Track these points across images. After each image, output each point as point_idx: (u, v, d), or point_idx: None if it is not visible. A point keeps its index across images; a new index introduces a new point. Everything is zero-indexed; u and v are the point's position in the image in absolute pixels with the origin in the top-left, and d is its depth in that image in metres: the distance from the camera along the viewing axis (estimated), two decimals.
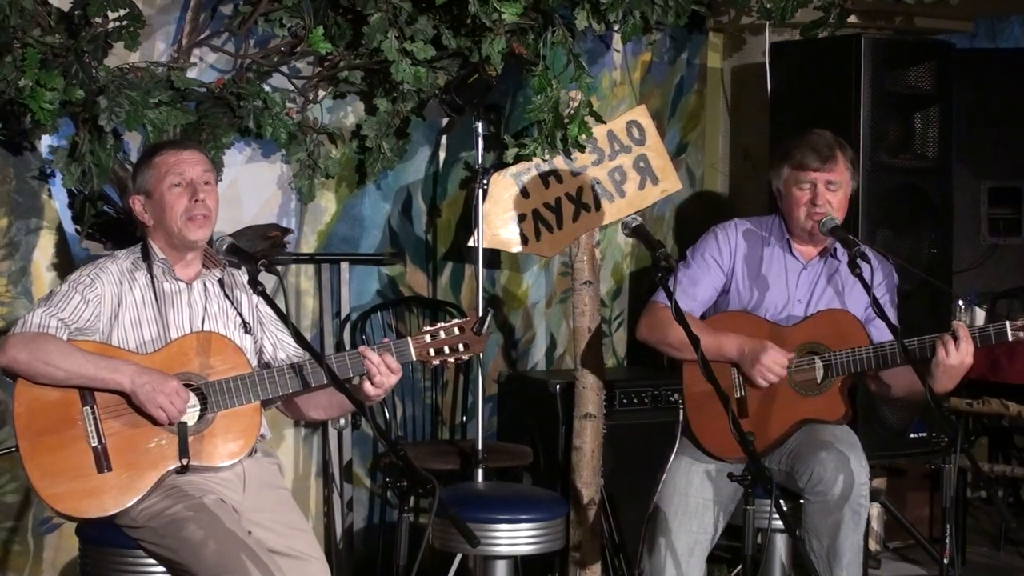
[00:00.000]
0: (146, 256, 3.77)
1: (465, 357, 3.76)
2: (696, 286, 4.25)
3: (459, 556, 4.74)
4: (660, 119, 5.98)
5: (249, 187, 5.07)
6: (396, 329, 5.32)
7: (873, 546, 5.69)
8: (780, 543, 4.35)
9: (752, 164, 6.14)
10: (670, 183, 5.42)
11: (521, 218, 5.20)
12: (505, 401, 5.60)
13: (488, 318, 3.73)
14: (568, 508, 4.83)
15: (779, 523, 3.74)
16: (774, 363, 4.10)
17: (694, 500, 4.17)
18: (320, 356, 3.58)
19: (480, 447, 4.86)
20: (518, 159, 5.16)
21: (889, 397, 4.36)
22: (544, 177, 5.21)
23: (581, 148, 5.13)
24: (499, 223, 5.15)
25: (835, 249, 4.29)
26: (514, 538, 4.42)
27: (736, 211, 5.81)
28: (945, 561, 3.96)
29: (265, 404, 3.77)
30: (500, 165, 5.23)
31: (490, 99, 5.16)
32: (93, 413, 3.60)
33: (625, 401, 5.38)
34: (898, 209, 5.51)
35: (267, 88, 4.81)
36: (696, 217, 6.10)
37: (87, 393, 3.60)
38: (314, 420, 4.42)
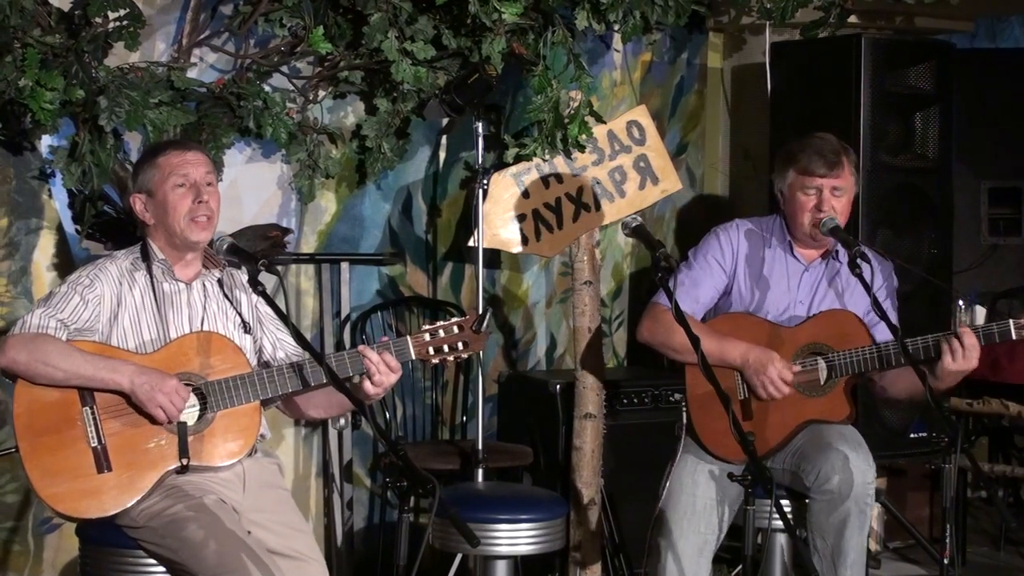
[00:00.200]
0: (145, 256, 3.77)
1: (465, 356, 3.76)
2: (698, 287, 4.24)
3: (459, 556, 4.74)
4: (660, 119, 5.99)
5: (249, 187, 5.07)
6: (396, 329, 5.32)
7: (873, 546, 5.69)
8: (780, 543, 4.35)
9: (752, 164, 6.14)
10: (670, 183, 5.42)
11: (521, 218, 5.20)
12: (505, 401, 5.60)
13: (487, 316, 3.73)
14: (568, 508, 4.83)
15: (779, 523, 3.74)
16: (779, 378, 4.10)
17: (701, 500, 4.17)
18: (320, 356, 3.58)
19: (480, 447, 4.86)
20: (518, 159, 5.16)
21: (891, 398, 4.36)
22: (544, 177, 5.21)
23: (581, 148, 5.13)
24: (499, 223, 5.15)
25: (836, 251, 4.29)
26: (514, 538, 4.42)
27: (736, 211, 5.81)
28: (945, 561, 3.96)
29: (265, 404, 3.77)
30: (500, 165, 5.23)
31: (490, 99, 5.16)
32: (93, 413, 3.60)
33: (625, 401, 5.38)
34: (898, 209, 5.51)
35: (267, 88, 4.82)
36: (696, 217, 6.10)
37: (87, 393, 3.60)
38: (314, 419, 4.42)
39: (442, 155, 5.52)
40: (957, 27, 6.13)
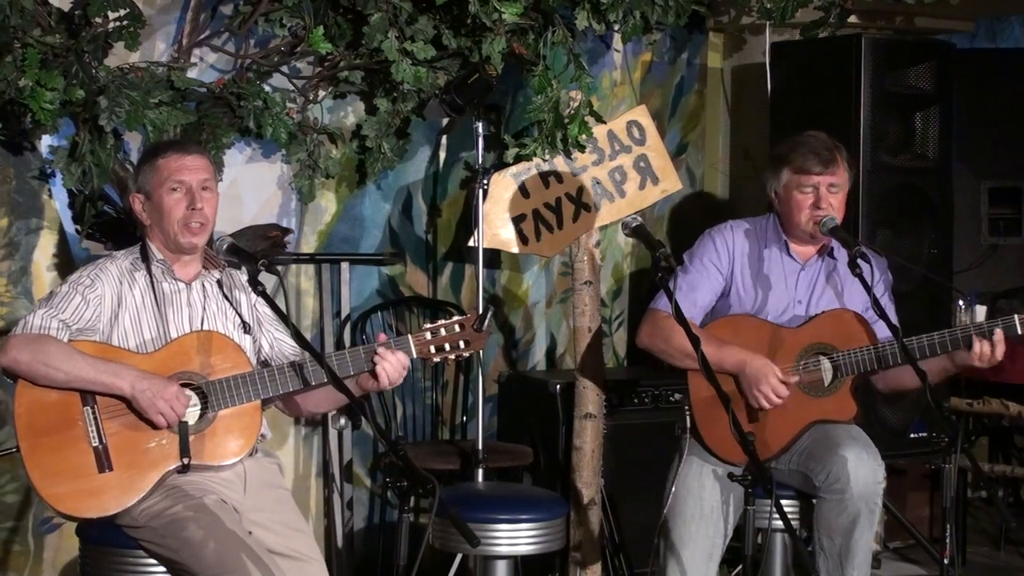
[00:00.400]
0: (145, 256, 3.77)
1: (466, 354, 3.76)
2: (696, 291, 4.23)
3: (459, 556, 4.75)
4: (660, 119, 5.99)
5: (249, 187, 5.07)
6: (396, 329, 5.32)
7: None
8: (780, 543, 4.35)
9: (752, 164, 6.14)
10: (670, 183, 5.41)
11: (521, 218, 5.20)
12: (505, 401, 5.60)
13: (488, 315, 3.73)
14: (568, 508, 4.83)
15: (779, 523, 3.74)
16: (773, 393, 4.09)
17: (708, 503, 4.17)
18: (320, 356, 3.58)
19: (480, 447, 4.86)
20: (518, 159, 5.15)
21: (894, 391, 4.38)
22: (544, 177, 5.20)
23: (581, 148, 5.13)
24: (499, 223, 5.15)
25: (832, 248, 4.29)
26: (514, 538, 4.42)
27: (736, 211, 5.81)
28: (945, 561, 3.96)
29: (265, 402, 3.77)
30: (500, 165, 5.23)
31: (490, 99, 5.16)
32: (94, 413, 3.60)
33: (625, 401, 5.38)
34: (898, 209, 5.51)
35: (267, 88, 4.82)
36: (696, 217, 6.10)
37: (87, 393, 3.60)
38: (312, 413, 4.42)
39: (442, 155, 5.52)
40: (957, 27, 6.13)
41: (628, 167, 5.33)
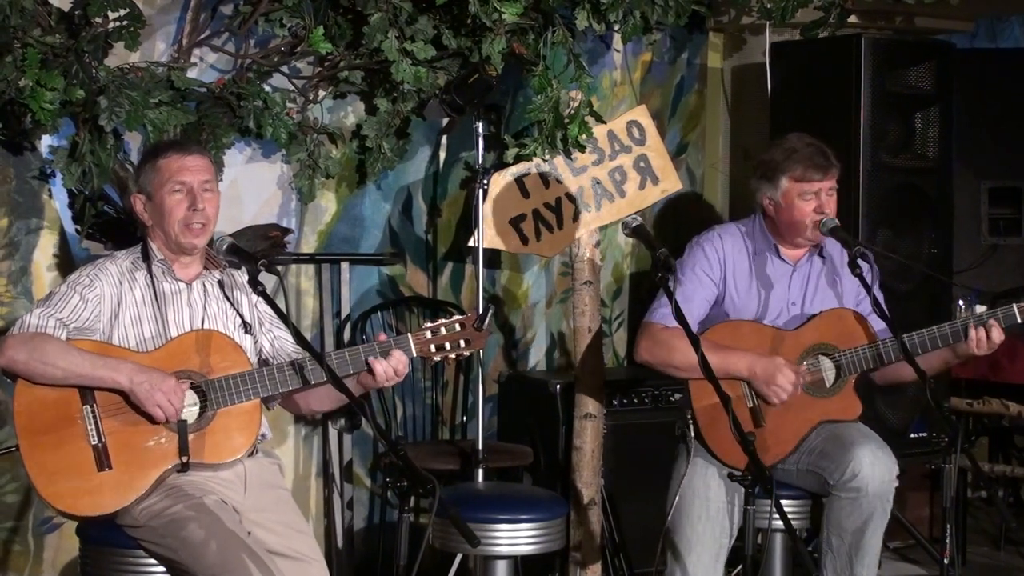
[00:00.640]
0: (146, 256, 3.77)
1: (466, 354, 3.76)
2: (690, 302, 4.19)
3: (459, 556, 4.75)
4: (660, 119, 5.99)
5: (249, 187, 5.07)
6: (396, 329, 5.32)
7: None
8: (780, 543, 4.35)
9: (752, 164, 6.13)
10: (670, 183, 5.41)
11: (521, 218, 5.20)
12: (505, 401, 5.60)
13: (489, 314, 3.73)
14: (568, 508, 4.83)
15: (779, 523, 3.74)
16: (787, 382, 4.10)
17: (715, 504, 4.17)
18: (320, 356, 3.58)
19: (480, 447, 4.86)
20: (518, 159, 5.15)
21: (885, 384, 4.39)
22: (544, 177, 5.21)
23: (581, 148, 5.13)
24: (499, 223, 5.15)
25: (820, 246, 4.31)
26: (514, 538, 4.42)
27: (736, 211, 5.82)
28: (945, 561, 3.96)
29: (266, 402, 3.77)
30: (500, 165, 5.23)
31: (490, 99, 5.16)
32: (93, 412, 3.60)
33: (625, 401, 5.38)
34: (898, 209, 5.51)
35: (267, 88, 4.81)
36: (696, 217, 6.10)
37: (87, 392, 3.60)
38: (313, 412, 4.43)
39: (442, 155, 5.52)
40: (957, 27, 6.13)
41: (628, 167, 5.33)
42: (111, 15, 4.39)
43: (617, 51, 5.88)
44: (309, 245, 5.24)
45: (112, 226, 4.67)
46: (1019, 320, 4.12)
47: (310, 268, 5.25)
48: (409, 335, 3.73)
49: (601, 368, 5.20)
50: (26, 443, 3.59)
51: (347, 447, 5.26)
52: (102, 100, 4.32)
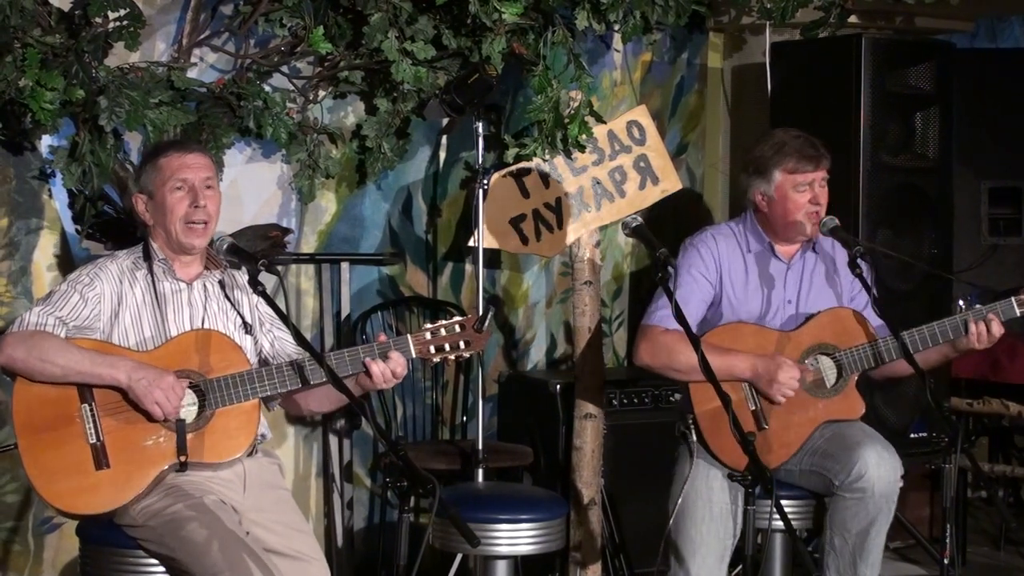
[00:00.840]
0: (147, 256, 3.77)
1: (466, 355, 3.76)
2: (687, 304, 4.13)
3: (459, 556, 4.75)
4: (660, 119, 5.99)
5: (249, 187, 5.07)
6: (396, 329, 5.32)
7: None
8: (780, 543, 4.35)
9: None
10: (670, 183, 5.42)
11: (521, 218, 5.20)
12: (505, 401, 5.60)
13: (489, 315, 3.73)
14: (568, 508, 4.83)
15: (779, 523, 3.74)
16: (790, 379, 4.10)
17: (718, 505, 4.16)
18: (320, 356, 3.58)
19: (480, 447, 4.86)
20: (518, 159, 5.15)
21: (883, 379, 4.40)
22: (544, 177, 5.21)
23: (581, 148, 5.13)
24: (499, 223, 5.15)
25: (814, 243, 4.31)
26: (514, 538, 4.42)
27: (736, 211, 5.80)
28: (945, 561, 3.96)
29: (265, 402, 3.77)
30: (500, 165, 5.23)
31: (490, 99, 5.16)
32: (91, 410, 3.60)
33: (625, 401, 5.38)
34: (898, 209, 5.51)
35: (267, 88, 4.82)
36: (696, 217, 6.10)
37: (86, 391, 3.60)
38: (313, 412, 4.43)
39: (442, 155, 5.52)
40: (957, 27, 6.13)
41: (628, 167, 5.33)
42: (111, 15, 4.40)
43: (617, 51, 5.88)
44: (309, 245, 5.24)
45: (112, 226, 4.67)
46: (1018, 313, 4.13)
47: (310, 268, 5.25)
48: (408, 336, 3.72)
49: (601, 368, 5.20)
50: (24, 441, 3.59)
51: (347, 447, 5.26)
52: (102, 100, 4.32)
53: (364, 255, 5.37)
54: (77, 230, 4.69)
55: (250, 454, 3.74)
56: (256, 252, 4.48)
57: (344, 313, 5.26)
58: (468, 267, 5.56)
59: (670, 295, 3.78)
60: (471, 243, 5.12)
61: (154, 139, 4.39)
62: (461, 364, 5.42)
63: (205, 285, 3.81)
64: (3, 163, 4.64)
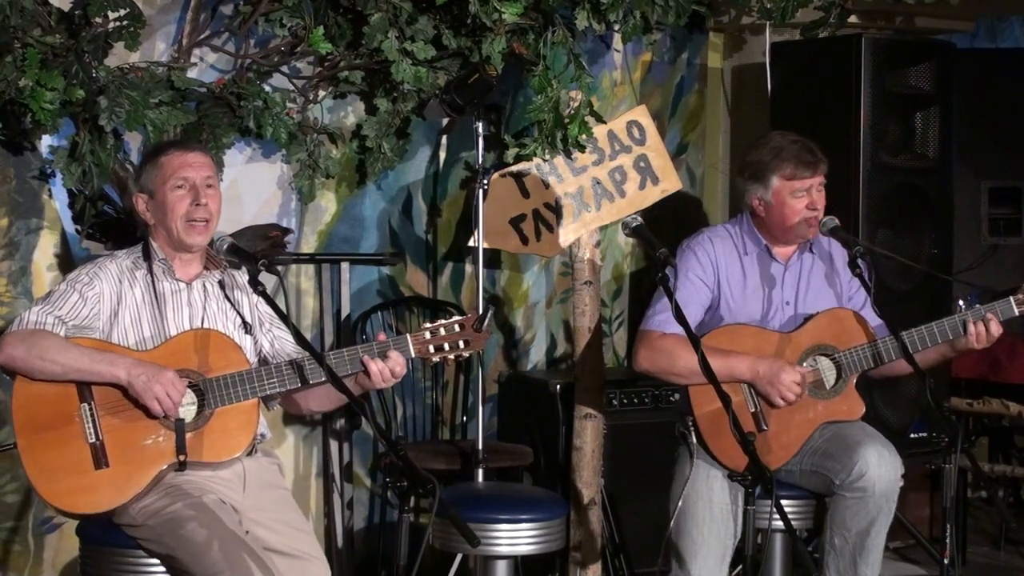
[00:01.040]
0: (147, 255, 3.78)
1: (466, 354, 3.75)
2: (685, 307, 4.08)
3: (459, 556, 4.75)
4: (660, 119, 5.99)
5: (249, 187, 5.07)
6: (396, 329, 5.32)
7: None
8: (780, 543, 4.35)
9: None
10: (670, 183, 5.42)
11: (521, 218, 5.20)
12: (505, 401, 5.60)
13: (488, 314, 3.73)
14: (568, 508, 4.83)
15: (779, 523, 3.74)
16: (793, 383, 4.10)
17: (718, 506, 4.16)
18: (320, 356, 3.58)
19: (480, 447, 4.86)
20: (518, 159, 5.16)
21: (882, 379, 4.40)
22: (544, 177, 5.21)
23: (581, 148, 5.13)
24: (499, 223, 5.15)
25: (810, 244, 4.31)
26: (514, 538, 4.42)
27: (736, 211, 5.80)
28: (945, 561, 3.96)
29: (265, 402, 3.77)
30: (500, 165, 5.23)
31: (490, 99, 5.16)
32: (91, 410, 3.60)
33: (625, 401, 5.38)
34: (898, 209, 5.51)
35: (267, 88, 4.82)
36: (696, 217, 6.10)
37: (85, 390, 3.60)
38: (313, 412, 4.43)
39: (442, 155, 5.52)
40: (957, 27, 6.13)
41: (628, 167, 5.33)
42: (111, 15, 4.40)
43: (617, 51, 5.88)
44: (309, 245, 5.24)
45: (112, 226, 4.67)
46: (1016, 313, 4.14)
47: (310, 268, 5.25)
48: (408, 336, 3.72)
49: (601, 368, 5.20)
50: (24, 441, 3.59)
51: (347, 447, 5.26)
52: (102, 100, 4.32)
53: (364, 255, 5.36)
54: (77, 230, 4.69)
55: (250, 454, 3.74)
56: (256, 252, 4.47)
57: (344, 313, 5.26)
58: (468, 267, 5.56)
59: (670, 295, 3.78)
60: (471, 243, 5.12)
61: (154, 139, 4.39)
62: (461, 364, 5.42)
63: (204, 285, 3.81)
64: (3, 163, 4.64)
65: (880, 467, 4.04)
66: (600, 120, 5.23)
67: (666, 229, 6.03)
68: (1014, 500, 6.68)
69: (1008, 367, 5.79)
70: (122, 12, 4.39)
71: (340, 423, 5.19)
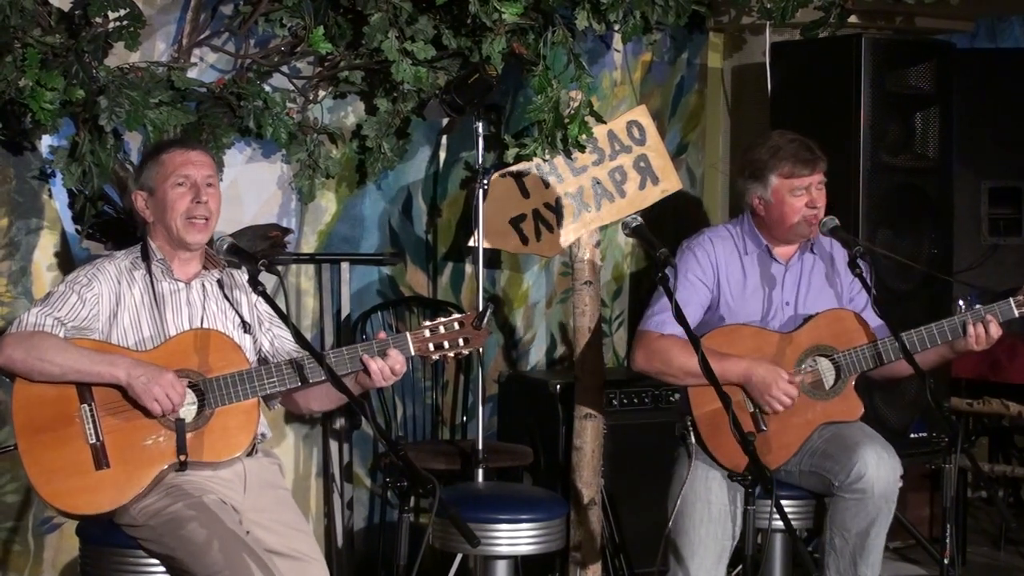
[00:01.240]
0: (145, 255, 3.77)
1: (465, 352, 3.75)
2: (685, 308, 4.09)
3: (459, 556, 4.75)
4: (660, 119, 5.99)
5: (249, 187, 5.07)
6: (396, 329, 5.31)
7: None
8: (780, 543, 4.35)
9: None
10: (670, 183, 5.42)
11: (521, 218, 5.20)
12: (505, 401, 5.60)
13: (488, 312, 3.73)
14: (568, 508, 4.83)
15: (779, 523, 3.74)
16: (784, 396, 4.09)
17: (716, 506, 4.16)
18: (320, 356, 3.58)
19: (480, 447, 4.86)
20: (518, 159, 5.16)
21: (882, 380, 4.40)
22: (544, 177, 5.21)
23: (581, 148, 5.13)
24: (499, 223, 5.15)
25: (811, 244, 4.31)
26: (514, 538, 4.42)
27: (736, 211, 5.80)
28: (945, 561, 3.96)
29: (266, 401, 3.77)
30: (500, 165, 5.23)
31: (490, 99, 5.16)
32: (91, 410, 3.60)
33: (625, 401, 5.38)
34: (898, 209, 5.51)
35: (267, 88, 4.82)
36: (696, 217, 6.10)
37: (85, 391, 3.60)
38: (313, 411, 4.43)
39: (442, 155, 5.52)
40: (957, 27, 6.13)
41: (628, 167, 5.33)
42: (111, 15, 4.40)
43: (617, 51, 5.88)
44: (309, 245, 5.25)
45: (112, 226, 4.67)
46: (1016, 315, 4.14)
47: (310, 268, 5.25)
48: (407, 334, 3.72)
49: (601, 368, 5.20)
50: (24, 442, 3.59)
51: (347, 447, 5.26)
52: (102, 100, 4.32)
53: (364, 255, 5.37)
54: (77, 230, 4.69)
55: (250, 454, 3.74)
56: (256, 252, 4.48)
57: (344, 313, 5.26)
58: (468, 267, 5.56)
59: (670, 295, 3.78)
60: (471, 243, 5.12)
61: (154, 139, 4.39)
62: (461, 364, 5.42)
63: (204, 284, 3.81)
64: (3, 163, 4.64)
65: (879, 468, 4.04)
66: (600, 120, 5.23)
67: (666, 229, 6.03)
68: (1014, 500, 6.69)
69: (1008, 367, 5.79)
70: (122, 12, 4.39)
71: (340, 423, 5.19)
